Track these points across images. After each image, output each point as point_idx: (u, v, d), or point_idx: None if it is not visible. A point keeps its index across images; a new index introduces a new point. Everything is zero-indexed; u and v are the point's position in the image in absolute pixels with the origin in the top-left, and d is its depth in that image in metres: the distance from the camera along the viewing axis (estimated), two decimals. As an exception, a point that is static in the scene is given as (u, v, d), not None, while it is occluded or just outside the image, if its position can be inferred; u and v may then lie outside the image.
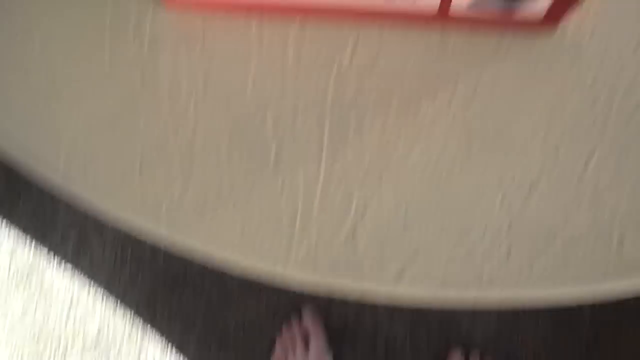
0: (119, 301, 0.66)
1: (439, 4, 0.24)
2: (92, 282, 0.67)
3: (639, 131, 0.25)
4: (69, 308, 0.67)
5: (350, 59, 0.26)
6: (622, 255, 0.24)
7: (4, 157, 0.27)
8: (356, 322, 0.62)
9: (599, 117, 0.25)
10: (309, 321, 0.60)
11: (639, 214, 0.24)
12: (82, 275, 0.67)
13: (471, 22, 0.25)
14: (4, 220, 0.69)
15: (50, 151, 0.27)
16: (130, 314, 0.66)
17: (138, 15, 0.27)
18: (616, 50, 0.25)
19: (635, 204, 0.24)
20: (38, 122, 0.27)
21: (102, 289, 0.66)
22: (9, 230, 0.69)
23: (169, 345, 0.64)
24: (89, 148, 0.26)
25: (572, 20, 0.26)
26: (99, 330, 0.66)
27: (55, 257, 0.68)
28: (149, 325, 0.65)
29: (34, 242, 0.68)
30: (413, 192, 0.25)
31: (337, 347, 0.61)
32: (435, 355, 0.60)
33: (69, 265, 0.67)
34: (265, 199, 0.25)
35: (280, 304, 0.63)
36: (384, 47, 0.26)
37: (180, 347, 0.64)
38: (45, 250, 0.68)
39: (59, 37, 0.27)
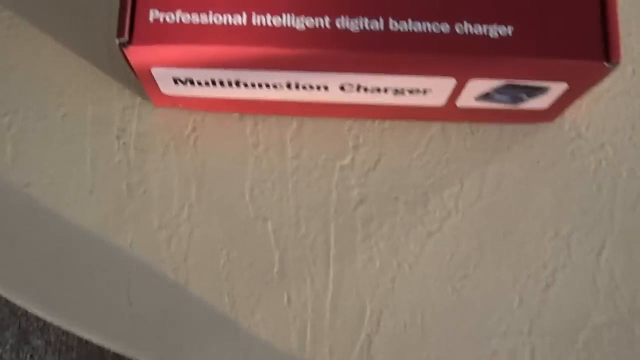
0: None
1: (447, 98, 0.23)
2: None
3: (645, 221, 0.25)
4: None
5: (352, 158, 0.25)
6: (642, 349, 0.24)
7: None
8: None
9: (606, 205, 0.25)
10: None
11: (653, 305, 0.24)
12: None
13: (474, 115, 0.25)
14: None
15: (22, 278, 0.24)
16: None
17: (122, 115, 0.25)
18: (613, 137, 0.25)
19: (649, 294, 0.24)
20: (8, 242, 0.24)
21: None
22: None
23: None
24: (69, 276, 0.24)
25: (568, 113, 0.26)
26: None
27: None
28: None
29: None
30: (428, 296, 0.24)
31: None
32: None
33: None
34: (271, 316, 0.24)
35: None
36: (386, 143, 0.25)
37: None
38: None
39: (32, 148, 0.25)
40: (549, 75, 0.21)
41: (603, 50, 0.20)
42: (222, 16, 0.20)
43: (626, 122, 0.26)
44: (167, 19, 0.20)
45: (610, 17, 0.21)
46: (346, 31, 0.20)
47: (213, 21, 0.20)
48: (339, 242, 0.24)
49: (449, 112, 0.24)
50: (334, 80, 0.22)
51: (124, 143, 0.25)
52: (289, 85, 0.22)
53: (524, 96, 0.23)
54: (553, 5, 0.21)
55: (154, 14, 0.20)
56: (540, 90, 0.22)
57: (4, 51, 0.25)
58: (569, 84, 0.22)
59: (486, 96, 0.23)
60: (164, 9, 0.20)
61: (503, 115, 0.24)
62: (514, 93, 0.23)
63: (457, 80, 0.22)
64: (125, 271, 0.24)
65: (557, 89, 0.22)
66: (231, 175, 0.25)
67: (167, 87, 0.23)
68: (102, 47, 0.26)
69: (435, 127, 0.25)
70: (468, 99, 0.23)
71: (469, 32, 0.20)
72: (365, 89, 0.23)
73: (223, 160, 0.25)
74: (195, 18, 0.20)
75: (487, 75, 0.21)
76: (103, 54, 0.26)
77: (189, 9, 0.20)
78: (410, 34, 0.20)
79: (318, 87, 0.23)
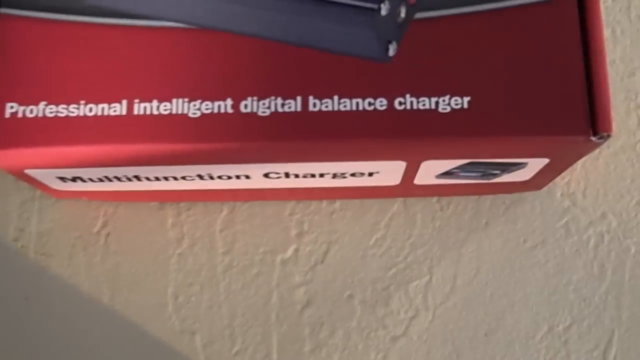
0: None
1: (401, 178, 0.19)
2: None
3: (662, 310, 0.20)
4: None
5: (295, 249, 0.21)
6: None
7: None
8: None
9: (611, 290, 0.20)
10: None
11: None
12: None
13: (441, 190, 0.20)
14: None
15: None
16: None
17: (20, 212, 0.21)
18: (616, 205, 0.21)
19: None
20: None
21: None
22: None
23: None
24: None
25: (559, 177, 0.21)
26: None
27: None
28: None
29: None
30: (394, 418, 0.20)
31: None
32: None
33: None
34: None
35: None
36: (337, 228, 0.21)
37: None
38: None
39: None
40: (522, 153, 0.17)
41: (588, 120, 0.16)
42: (97, 106, 0.16)
43: (632, 184, 0.21)
44: (28, 114, 0.16)
45: (597, 74, 0.16)
46: (253, 115, 0.16)
47: (85, 113, 0.16)
48: (283, 356, 0.20)
49: (408, 190, 0.20)
50: (253, 169, 0.18)
51: (22, 246, 0.21)
52: (200, 177, 0.18)
53: (497, 172, 0.18)
54: (520, 67, 0.16)
55: (11, 109, 0.16)
56: (517, 166, 0.18)
57: None
58: (550, 159, 0.17)
59: (449, 174, 0.18)
60: (23, 102, 0.16)
61: (476, 188, 0.20)
62: (484, 170, 0.18)
63: (407, 162, 0.17)
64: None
65: (536, 164, 0.18)
66: (151, 280, 0.20)
67: (57, 185, 0.19)
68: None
69: (396, 204, 0.21)
70: (427, 178, 0.19)
71: (413, 108, 0.16)
72: (296, 176, 0.18)
73: (140, 261, 0.20)
74: (63, 111, 0.16)
75: (442, 157, 0.17)
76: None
77: (55, 101, 0.16)
78: (336, 115, 0.16)
79: (237, 177, 0.18)
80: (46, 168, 0.17)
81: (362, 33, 0.16)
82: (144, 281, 0.20)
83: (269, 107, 0.16)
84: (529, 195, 0.21)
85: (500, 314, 0.20)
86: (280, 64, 0.16)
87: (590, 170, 0.21)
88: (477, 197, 0.21)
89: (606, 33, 0.21)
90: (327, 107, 0.16)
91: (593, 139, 0.16)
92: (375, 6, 0.16)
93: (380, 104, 0.16)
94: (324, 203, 0.21)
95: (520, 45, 0.16)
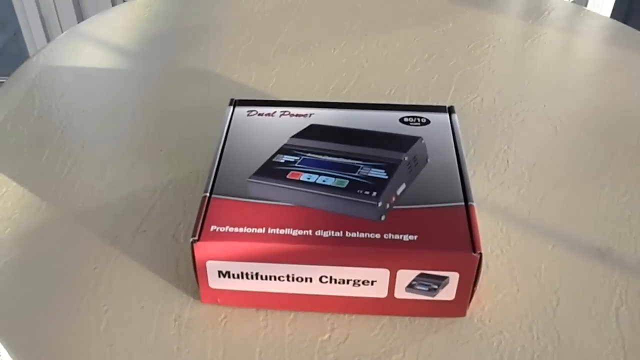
0: None
1: (387, 289, 0.36)
2: None
3: (536, 377, 0.35)
4: None
5: (329, 335, 0.37)
6: None
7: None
8: None
9: (508, 372, 0.35)
10: None
11: None
12: None
13: (410, 308, 0.37)
14: None
15: None
16: None
17: (180, 306, 0.38)
18: (509, 325, 0.37)
19: None
20: (88, 386, 0.35)
21: None
22: None
23: None
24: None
25: (475, 311, 0.38)
26: None
27: None
28: None
29: None
30: None
31: None
32: None
33: None
34: None
35: None
36: (352, 328, 0.37)
37: None
38: None
39: (122, 317, 0.37)
40: (444, 265, 0.35)
41: (470, 245, 0.35)
42: (251, 229, 0.36)
43: (516, 318, 0.38)
44: (221, 230, 0.36)
45: (473, 227, 0.36)
46: (321, 236, 0.36)
47: (246, 231, 0.36)
48: (318, 387, 0.34)
49: (392, 305, 0.37)
50: (315, 273, 0.36)
51: (178, 324, 0.37)
52: (288, 277, 0.36)
53: (436, 287, 0.36)
54: (437, 221, 0.36)
55: (213, 227, 0.36)
56: (444, 280, 0.36)
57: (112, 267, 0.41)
58: (459, 273, 0.35)
59: (412, 287, 0.36)
60: (219, 224, 0.36)
61: (429, 308, 0.37)
62: (429, 283, 0.36)
63: (389, 270, 0.36)
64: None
65: (453, 278, 0.36)
66: (247, 344, 0.36)
67: (213, 280, 0.37)
68: (173, 270, 0.41)
69: (386, 319, 0.38)
70: (401, 290, 0.36)
71: (391, 238, 0.35)
72: (335, 280, 0.36)
73: (242, 335, 0.37)
74: (236, 229, 0.36)
75: (405, 265, 0.35)
76: (173, 274, 0.40)
77: (233, 225, 0.36)
78: (357, 239, 0.35)
79: (306, 279, 0.36)
80: (218, 259, 0.36)
81: (369, 211, 0.37)
82: (243, 344, 0.36)
83: (328, 234, 0.36)
84: (458, 319, 0.38)
85: (444, 375, 0.35)
86: (334, 218, 0.36)
87: (492, 310, 0.38)
88: (430, 318, 0.38)
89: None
90: (353, 235, 0.35)
91: (473, 254, 0.35)
92: (375, 203, 0.37)
93: (376, 235, 0.36)
94: (346, 316, 0.38)
95: (435, 215, 0.36)
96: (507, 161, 0.51)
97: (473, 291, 0.37)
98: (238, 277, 0.37)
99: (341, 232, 0.36)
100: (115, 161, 0.50)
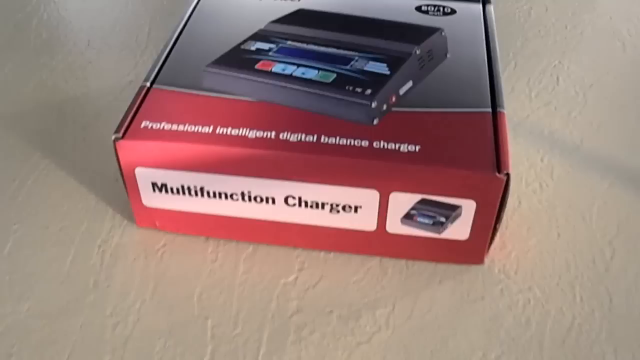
0: None
1: (376, 219, 0.27)
2: None
3: (573, 352, 0.25)
4: None
5: (295, 277, 0.28)
6: None
7: None
8: None
9: (535, 336, 0.25)
10: None
11: None
12: None
13: (407, 249, 0.28)
14: None
15: (-23, 347, 0.25)
16: None
17: (109, 231, 0.29)
18: (540, 281, 0.27)
19: None
20: (-25, 321, 0.26)
21: None
22: None
23: None
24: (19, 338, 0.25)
25: (498, 259, 0.28)
26: None
27: None
28: None
29: None
30: (350, 403, 0.24)
31: None
32: None
33: None
34: (192, 405, 0.24)
35: None
36: (328, 269, 0.28)
37: None
38: None
39: (34, 239, 0.29)
40: (455, 189, 0.25)
41: (494, 163, 0.25)
42: (194, 127, 0.27)
43: (553, 271, 0.28)
44: (154, 127, 0.27)
45: (501, 140, 0.26)
46: (286, 140, 0.26)
47: (187, 129, 0.26)
48: (270, 343, 0.25)
49: (383, 242, 0.27)
50: (279, 191, 0.27)
51: (102, 250, 0.29)
52: (243, 195, 0.27)
53: (443, 219, 0.26)
54: (453, 130, 0.26)
55: (145, 123, 0.27)
56: (455, 211, 0.26)
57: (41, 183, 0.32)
58: (475, 202, 0.25)
59: (410, 218, 0.26)
60: (154, 120, 0.27)
61: (434, 249, 0.27)
62: (433, 214, 0.26)
63: (379, 192, 0.26)
64: (69, 345, 0.25)
65: (468, 209, 0.26)
66: (186, 281, 0.27)
67: (148, 196, 0.28)
68: (111, 185, 0.32)
69: (374, 260, 0.28)
70: (395, 221, 0.27)
71: (384, 148, 0.26)
72: (306, 204, 0.27)
73: (182, 270, 0.28)
74: (174, 127, 0.27)
75: (401, 186, 0.26)
76: (110, 190, 0.32)
77: (172, 121, 0.27)
78: (337, 146, 0.26)
79: (267, 200, 0.27)
80: (150, 167, 0.27)
81: (359, 113, 0.27)
82: (180, 282, 0.27)
83: (297, 137, 0.26)
84: (474, 267, 0.28)
85: (444, 339, 0.25)
86: (309, 119, 0.27)
87: (521, 259, 0.28)
88: (435, 263, 0.28)
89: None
90: (332, 141, 0.26)
91: (497, 175, 0.24)
92: (368, 103, 0.27)
93: (364, 143, 0.26)
94: (322, 253, 0.28)
95: (451, 122, 0.26)
96: (557, 78, 0.39)
97: (495, 230, 0.27)
98: (178, 192, 0.28)
99: (315, 136, 0.26)
100: (67, 56, 0.41)
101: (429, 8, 0.34)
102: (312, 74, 0.29)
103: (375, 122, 0.27)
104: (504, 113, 0.27)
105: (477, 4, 0.34)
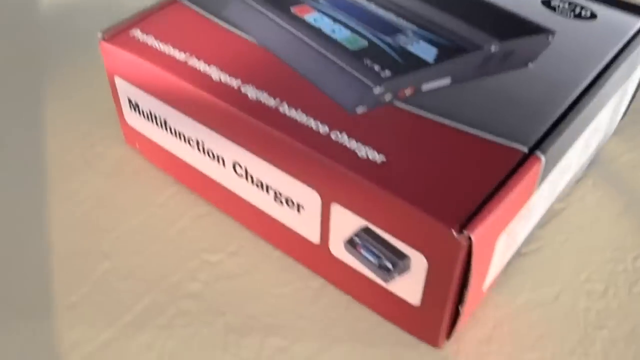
0: None
1: (319, 230, 0.20)
2: None
3: None
4: None
5: (219, 260, 0.23)
6: None
7: None
8: None
9: None
10: None
11: None
12: None
13: (351, 281, 0.21)
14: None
15: None
16: None
17: (101, 140, 0.28)
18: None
19: None
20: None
21: None
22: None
23: None
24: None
25: (466, 349, 0.20)
26: None
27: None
28: None
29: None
30: None
31: None
32: None
33: None
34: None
35: None
36: (260, 267, 0.22)
37: None
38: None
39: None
40: (403, 230, 0.18)
41: (466, 218, 0.17)
42: (173, 49, 0.23)
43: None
44: (141, 39, 0.24)
45: (505, 191, 0.17)
46: (245, 95, 0.21)
47: (165, 51, 0.23)
48: (143, 312, 0.21)
49: (326, 263, 0.21)
50: (228, 153, 0.22)
51: (82, 154, 0.27)
52: (198, 144, 0.23)
53: (390, 266, 0.19)
54: (451, 155, 0.18)
55: (135, 32, 0.24)
56: (402, 260, 0.18)
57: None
58: (426, 258, 0.18)
59: (353, 246, 0.20)
60: (147, 31, 0.24)
61: (381, 299, 0.20)
62: (379, 254, 0.19)
63: (320, 196, 0.19)
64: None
65: (418, 265, 0.18)
66: (119, 211, 0.24)
67: (128, 112, 0.25)
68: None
69: (316, 282, 0.22)
70: (338, 243, 0.20)
71: (342, 143, 0.19)
72: (251, 178, 0.22)
73: (125, 199, 0.25)
74: (156, 44, 0.23)
75: (343, 199, 0.19)
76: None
77: (159, 38, 0.23)
78: (293, 121, 0.20)
79: (218, 159, 0.22)
80: (127, 79, 0.24)
81: (350, 93, 0.21)
82: (115, 209, 0.25)
83: (256, 95, 0.21)
84: (425, 348, 0.20)
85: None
86: (289, 81, 0.21)
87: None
88: (382, 319, 0.21)
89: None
90: (291, 114, 0.20)
91: (454, 233, 0.16)
92: (371, 85, 0.21)
93: (323, 128, 0.19)
94: (268, 248, 0.23)
95: (458, 145, 0.19)
96: None
97: (457, 310, 0.19)
98: (148, 118, 0.25)
99: (277, 100, 0.21)
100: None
101: (561, 4, 0.25)
102: (343, 34, 0.23)
103: (358, 110, 0.20)
104: (540, 159, 0.18)
105: (638, 18, 0.24)
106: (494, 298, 0.21)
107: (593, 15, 0.24)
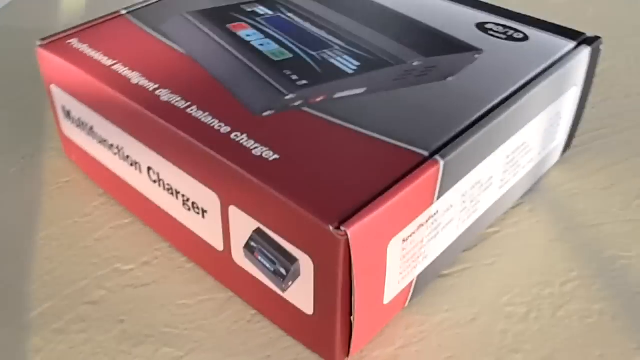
0: None
1: (222, 236, 0.20)
2: None
3: None
4: None
5: (130, 270, 0.22)
6: None
7: None
8: None
9: None
10: None
11: None
12: None
13: (254, 292, 0.20)
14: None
15: None
16: None
17: (41, 149, 0.28)
18: None
19: None
20: None
21: None
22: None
23: None
24: None
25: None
26: None
27: None
28: None
29: None
30: None
31: None
32: None
33: None
34: None
35: None
36: (170, 278, 0.22)
37: None
38: None
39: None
40: (289, 230, 0.17)
41: (345, 215, 0.16)
42: (102, 56, 0.23)
43: None
44: (75, 47, 0.24)
45: (393, 193, 0.17)
46: (157, 97, 0.21)
47: (93, 56, 0.23)
48: (45, 311, 0.20)
49: (230, 272, 0.20)
50: (142, 158, 0.21)
51: (22, 162, 0.27)
52: (118, 150, 0.23)
53: (284, 271, 0.18)
54: (347, 157, 0.18)
55: (73, 41, 0.24)
56: (293, 265, 0.18)
57: None
58: (312, 260, 0.17)
59: (251, 252, 0.19)
60: (85, 41, 0.24)
61: (280, 311, 0.19)
62: (274, 259, 0.18)
63: (219, 198, 0.19)
64: None
65: (306, 268, 0.17)
66: (47, 220, 0.24)
67: (63, 121, 0.25)
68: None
69: (222, 295, 0.21)
70: (239, 249, 0.19)
71: (239, 141, 0.19)
72: (164, 185, 0.21)
73: (54, 210, 0.25)
74: (88, 52, 0.23)
75: (237, 199, 0.18)
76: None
77: (92, 47, 0.24)
78: (198, 122, 0.20)
79: (135, 165, 0.22)
80: (60, 86, 0.24)
81: (261, 97, 0.20)
82: (44, 219, 0.24)
83: (168, 97, 0.21)
84: (324, 364, 0.19)
85: None
86: (201, 85, 0.21)
87: None
88: (285, 335, 0.20)
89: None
90: (197, 114, 0.20)
91: (330, 228, 0.16)
92: (284, 92, 0.21)
93: (225, 129, 0.19)
94: (183, 260, 0.22)
95: (357, 148, 0.18)
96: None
97: (351, 321, 0.18)
98: (78, 126, 0.25)
99: (187, 103, 0.20)
100: None
101: (494, 27, 0.24)
102: (270, 47, 0.23)
103: (265, 113, 0.20)
104: (438, 163, 0.18)
105: (570, 41, 0.24)
106: (406, 317, 0.20)
107: (525, 38, 0.24)
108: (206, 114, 0.20)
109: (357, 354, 0.19)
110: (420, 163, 0.18)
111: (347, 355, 0.19)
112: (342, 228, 0.16)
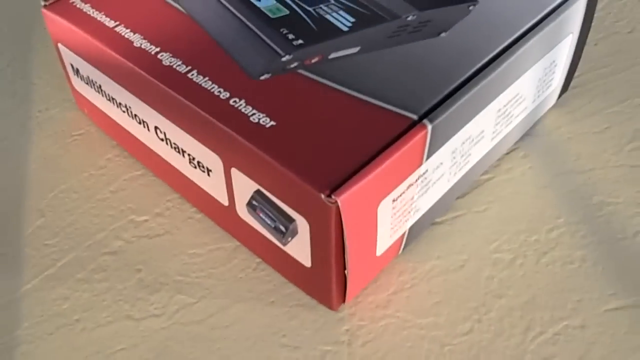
0: None
1: (226, 192, 0.21)
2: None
3: None
4: None
5: (144, 221, 0.24)
6: None
7: None
8: None
9: None
10: None
11: None
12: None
13: (257, 243, 0.22)
14: None
15: None
16: None
17: (55, 103, 0.29)
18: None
19: None
20: None
21: None
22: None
23: None
24: None
25: (362, 312, 0.20)
26: None
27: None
28: None
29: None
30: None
31: None
32: None
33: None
34: None
35: None
36: (181, 227, 0.23)
37: None
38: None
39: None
40: (286, 194, 0.18)
41: (336, 184, 0.17)
42: (106, 18, 0.24)
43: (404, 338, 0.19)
44: (79, 6, 0.24)
45: (383, 158, 0.18)
46: (159, 62, 0.22)
47: (96, 17, 0.24)
48: (63, 267, 0.23)
49: (236, 224, 0.22)
50: (150, 118, 0.23)
51: (36, 117, 0.29)
52: (127, 109, 0.24)
53: (283, 229, 0.20)
54: (341, 122, 0.19)
55: (75, 1, 0.25)
56: (291, 224, 0.19)
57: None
58: (308, 222, 0.18)
59: (254, 209, 0.20)
60: (84, 1, 0.25)
61: (282, 261, 0.21)
62: (274, 217, 0.20)
63: (221, 160, 0.20)
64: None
65: (303, 228, 0.19)
66: (62, 172, 0.26)
67: (74, 77, 0.26)
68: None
69: (229, 244, 0.23)
70: (242, 206, 0.21)
71: (238, 107, 0.20)
72: (171, 143, 0.22)
73: (69, 162, 0.26)
74: (91, 12, 0.24)
75: (238, 163, 0.20)
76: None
77: (94, 7, 0.24)
78: (199, 87, 0.20)
79: (143, 124, 0.23)
80: (68, 46, 0.25)
81: (258, 60, 0.21)
82: (59, 171, 0.26)
83: (170, 61, 0.21)
84: (321, 309, 0.21)
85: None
86: (202, 48, 0.22)
87: (383, 330, 0.20)
88: (286, 281, 0.22)
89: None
90: (197, 79, 0.21)
91: (322, 196, 0.17)
92: (280, 53, 0.21)
93: (224, 94, 0.20)
94: (192, 211, 0.24)
95: (350, 112, 0.19)
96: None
97: (344, 275, 0.19)
98: (88, 83, 0.26)
99: (187, 67, 0.21)
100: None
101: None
102: (267, 3, 0.23)
103: (263, 77, 0.21)
104: (425, 127, 0.19)
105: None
106: (400, 265, 0.22)
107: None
108: (206, 78, 0.21)
109: (353, 299, 0.21)
110: (409, 127, 0.19)
111: (344, 301, 0.21)
112: (333, 196, 0.17)
